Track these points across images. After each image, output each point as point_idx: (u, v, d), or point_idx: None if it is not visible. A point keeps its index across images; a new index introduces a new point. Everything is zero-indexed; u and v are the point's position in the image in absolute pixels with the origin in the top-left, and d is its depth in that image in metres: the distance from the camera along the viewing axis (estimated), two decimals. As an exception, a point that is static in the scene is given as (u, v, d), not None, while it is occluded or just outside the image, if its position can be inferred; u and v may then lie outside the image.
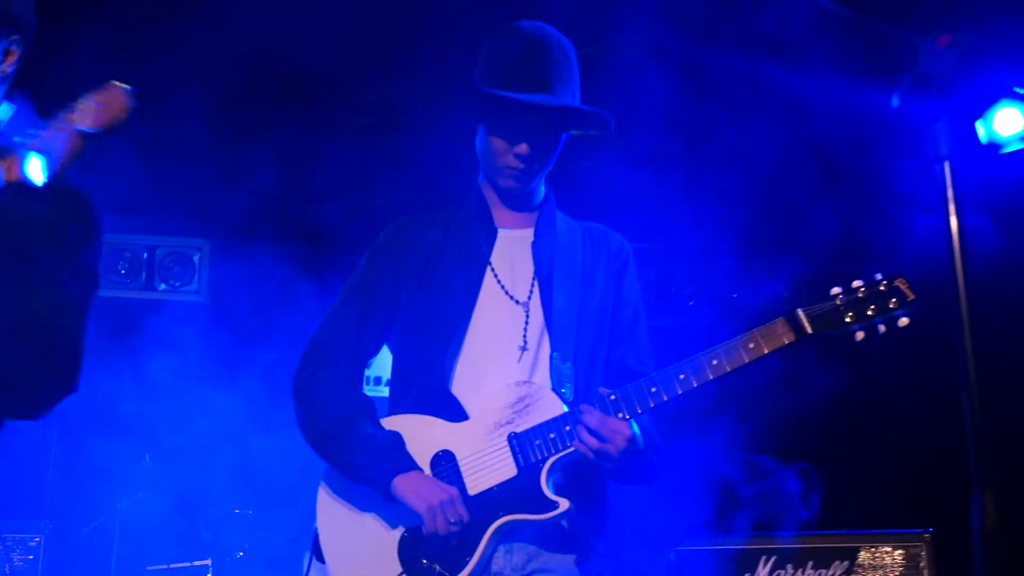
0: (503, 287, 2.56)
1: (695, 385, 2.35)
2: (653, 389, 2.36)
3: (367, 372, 5.91)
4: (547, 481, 2.38)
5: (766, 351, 2.33)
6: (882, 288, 2.32)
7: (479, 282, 2.56)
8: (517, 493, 2.39)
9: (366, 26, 4.72)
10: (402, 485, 2.41)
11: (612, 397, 2.37)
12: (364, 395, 2.62)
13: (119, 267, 6.05)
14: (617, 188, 5.18)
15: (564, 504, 2.36)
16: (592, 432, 2.33)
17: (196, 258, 6.16)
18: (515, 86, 2.48)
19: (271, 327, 5.47)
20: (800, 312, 2.34)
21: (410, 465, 2.44)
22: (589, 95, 2.63)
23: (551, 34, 2.56)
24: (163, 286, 6.13)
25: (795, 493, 4.80)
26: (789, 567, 4.53)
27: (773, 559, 4.55)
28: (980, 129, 4.56)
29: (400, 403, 2.59)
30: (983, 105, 4.46)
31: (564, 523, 2.46)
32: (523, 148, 2.51)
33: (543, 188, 2.70)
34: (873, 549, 4.46)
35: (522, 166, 2.53)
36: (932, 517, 4.52)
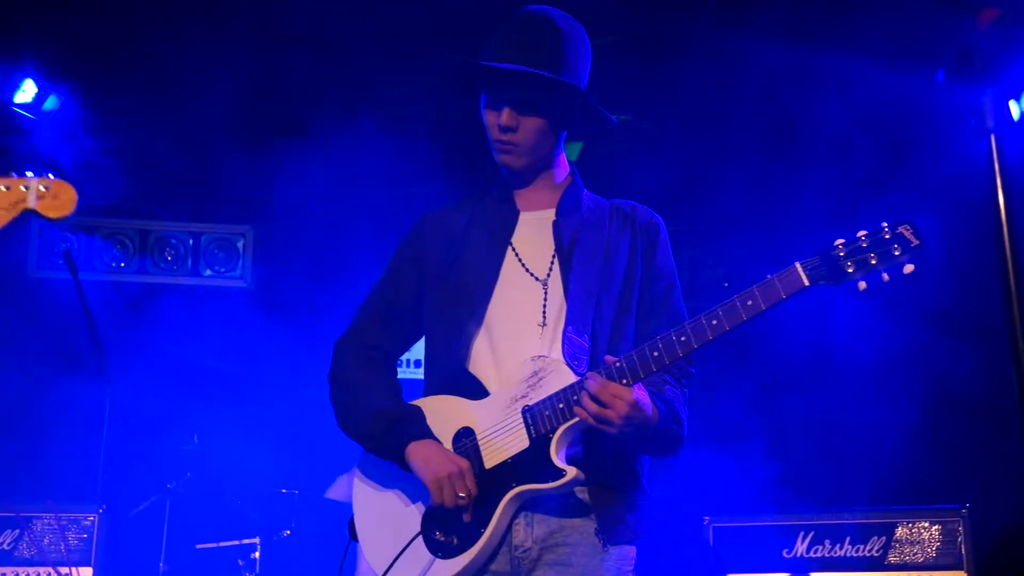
0: (524, 265, 2.58)
1: (695, 346, 2.31)
2: (655, 353, 2.32)
3: (408, 355, 5.98)
4: (557, 451, 2.38)
5: (764, 307, 2.26)
6: (885, 236, 2.22)
7: (500, 262, 2.59)
8: (530, 464, 2.40)
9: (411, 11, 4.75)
10: (415, 452, 2.45)
11: (617, 364, 2.35)
12: (393, 378, 2.68)
13: (166, 254, 6.21)
14: (650, 171, 5.21)
15: (571, 472, 2.36)
16: (593, 398, 2.31)
17: (240, 244, 6.28)
18: (494, 58, 2.50)
19: (314, 311, 5.56)
20: (798, 265, 2.27)
21: (425, 433, 2.48)
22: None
23: (543, 14, 2.56)
24: (208, 272, 6.27)
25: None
26: (827, 542, 4.51)
27: (811, 535, 4.53)
28: (1013, 108, 4.56)
29: (428, 384, 2.65)
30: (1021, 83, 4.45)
31: (586, 496, 2.47)
32: (503, 117, 2.52)
33: (569, 168, 2.72)
34: (910, 524, 4.44)
35: (504, 137, 2.55)
36: (969, 493, 4.54)
